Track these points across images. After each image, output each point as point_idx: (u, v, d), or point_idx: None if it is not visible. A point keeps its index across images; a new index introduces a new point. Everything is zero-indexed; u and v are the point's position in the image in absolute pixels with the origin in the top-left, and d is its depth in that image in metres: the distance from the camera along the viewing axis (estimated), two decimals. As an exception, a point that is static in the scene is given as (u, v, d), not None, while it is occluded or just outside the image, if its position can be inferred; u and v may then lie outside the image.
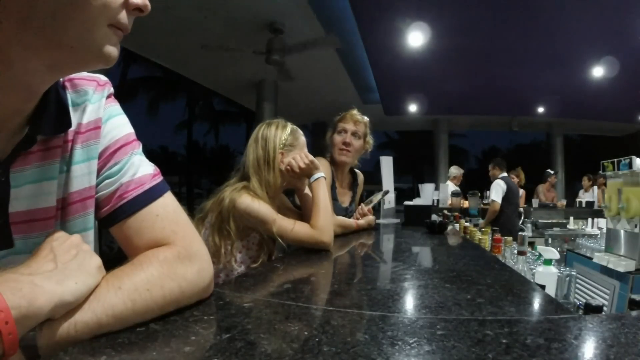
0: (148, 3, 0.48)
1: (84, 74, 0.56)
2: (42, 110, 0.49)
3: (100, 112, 0.56)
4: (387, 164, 2.09)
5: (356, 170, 1.99)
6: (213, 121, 20.10)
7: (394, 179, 2.09)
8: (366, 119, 1.87)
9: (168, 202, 0.59)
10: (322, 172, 1.35)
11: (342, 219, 1.69)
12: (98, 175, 0.56)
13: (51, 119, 0.50)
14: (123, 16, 0.46)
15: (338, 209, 1.74)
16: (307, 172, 1.36)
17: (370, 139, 1.88)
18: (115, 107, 0.59)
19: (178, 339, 0.45)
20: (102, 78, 0.58)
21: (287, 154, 1.37)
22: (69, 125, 0.53)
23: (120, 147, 0.57)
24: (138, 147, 0.60)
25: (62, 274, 0.43)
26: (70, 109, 0.53)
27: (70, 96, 0.54)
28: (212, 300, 0.61)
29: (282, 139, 1.37)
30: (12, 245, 0.48)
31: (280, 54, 4.99)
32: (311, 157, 1.35)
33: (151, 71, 15.28)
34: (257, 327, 0.51)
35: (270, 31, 4.96)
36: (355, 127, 1.80)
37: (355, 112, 1.84)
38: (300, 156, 1.35)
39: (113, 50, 0.46)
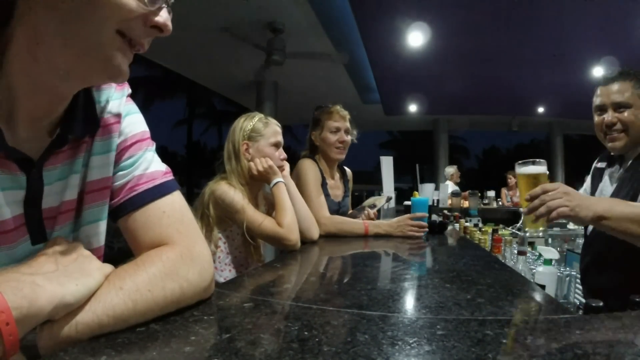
0: (170, 25, 0.48)
1: None
2: (73, 112, 0.51)
3: (121, 108, 0.59)
4: (387, 164, 2.09)
5: (344, 167, 2.02)
6: (213, 121, 20.13)
7: (394, 178, 2.09)
8: (347, 112, 1.89)
9: (176, 200, 0.60)
10: (281, 177, 1.37)
11: (352, 221, 1.68)
12: (113, 167, 0.58)
13: (81, 120, 0.52)
14: (136, 27, 0.45)
15: (331, 204, 1.77)
16: (265, 177, 1.36)
17: (354, 130, 1.90)
18: (134, 106, 0.62)
19: (178, 339, 0.45)
20: None
21: (253, 143, 1.39)
22: (98, 125, 0.55)
23: (135, 142, 0.60)
24: (152, 145, 0.62)
25: (63, 275, 0.43)
26: (96, 106, 0.56)
27: (95, 95, 0.56)
28: (212, 300, 0.61)
29: (246, 129, 1.39)
30: (46, 240, 0.51)
31: (280, 54, 4.99)
32: (270, 162, 1.36)
33: (151, 71, 15.29)
34: (257, 327, 0.51)
35: (270, 31, 4.96)
36: (345, 124, 1.83)
37: (339, 107, 1.85)
38: (260, 160, 1.36)
39: (120, 61, 0.46)
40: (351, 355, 0.41)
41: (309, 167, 1.71)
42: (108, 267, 0.49)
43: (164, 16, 0.47)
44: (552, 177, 8.13)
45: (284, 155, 1.43)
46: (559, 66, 5.53)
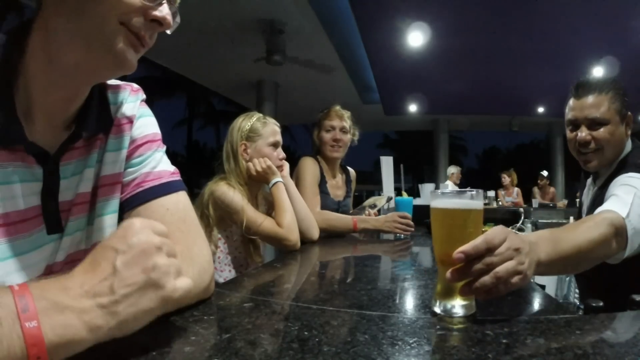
0: (169, 18, 0.50)
1: (120, 81, 0.63)
2: (87, 110, 0.55)
3: (135, 110, 0.63)
4: (387, 164, 2.09)
5: (348, 167, 2.03)
6: (213, 121, 20.12)
7: (394, 178, 2.09)
8: (349, 112, 1.90)
9: (180, 199, 0.62)
10: (280, 177, 1.36)
11: (341, 216, 1.68)
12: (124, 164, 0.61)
13: (95, 118, 0.56)
14: (137, 20, 0.48)
15: (331, 203, 1.78)
16: (264, 177, 1.35)
17: (355, 130, 1.91)
18: (148, 110, 0.66)
19: (178, 339, 0.45)
20: (135, 85, 0.65)
21: (251, 143, 1.38)
22: (111, 124, 0.59)
23: (146, 142, 0.63)
24: (162, 147, 0.65)
25: (114, 310, 0.37)
26: (110, 106, 0.60)
27: (110, 96, 0.60)
28: (212, 300, 0.61)
29: (244, 129, 1.39)
30: (62, 231, 0.54)
31: (280, 54, 4.99)
32: (269, 162, 1.35)
33: (151, 71, 15.28)
34: (257, 327, 0.51)
35: (270, 31, 4.96)
36: (342, 123, 1.83)
37: (338, 107, 1.87)
38: (259, 160, 1.35)
39: (124, 48, 0.48)
40: (351, 355, 0.41)
41: (307, 165, 1.74)
42: (177, 287, 0.42)
43: (163, 11, 0.50)
44: (552, 178, 8.07)
45: (282, 154, 1.43)
46: (559, 66, 5.52)
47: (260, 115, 1.45)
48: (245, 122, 1.40)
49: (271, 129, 1.41)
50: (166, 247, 0.42)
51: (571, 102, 1.19)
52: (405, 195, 1.74)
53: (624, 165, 1.10)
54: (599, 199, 1.13)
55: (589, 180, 1.30)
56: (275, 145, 1.41)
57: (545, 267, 0.68)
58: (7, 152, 0.47)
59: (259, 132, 1.39)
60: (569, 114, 1.20)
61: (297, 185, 1.59)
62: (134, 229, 0.41)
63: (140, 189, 0.60)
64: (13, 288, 0.34)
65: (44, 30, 0.47)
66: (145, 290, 0.39)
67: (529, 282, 0.62)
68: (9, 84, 0.47)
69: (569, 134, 1.21)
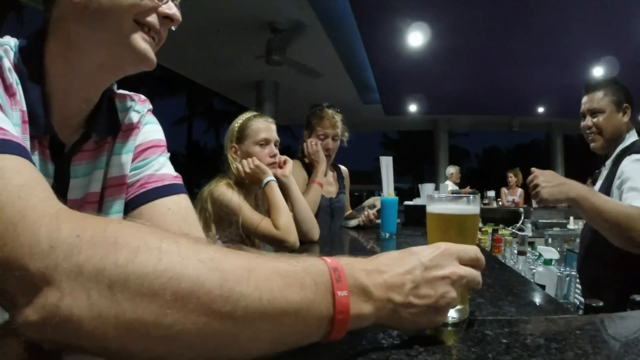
0: (179, 15, 0.56)
1: (128, 92, 0.69)
2: (97, 114, 0.60)
3: (142, 118, 0.67)
4: (386, 164, 2.09)
5: (340, 165, 2.06)
6: (213, 121, 20.12)
7: (394, 179, 2.09)
8: (340, 115, 1.88)
9: (182, 200, 0.65)
10: (272, 176, 1.32)
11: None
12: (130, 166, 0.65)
13: (104, 121, 0.61)
14: (151, 18, 0.54)
15: (322, 200, 1.80)
16: (254, 178, 1.32)
17: (345, 132, 1.91)
18: (154, 118, 0.70)
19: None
20: (143, 96, 0.70)
21: (240, 145, 1.36)
22: (119, 128, 0.64)
23: (151, 146, 0.67)
24: (166, 153, 0.69)
25: (398, 310, 0.41)
26: (119, 113, 0.65)
27: (118, 104, 0.65)
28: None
29: (233, 131, 1.38)
30: None
31: (280, 54, 4.99)
32: (257, 162, 1.31)
33: (151, 71, 15.26)
34: (257, 327, 0.51)
35: (270, 31, 4.96)
36: (335, 131, 1.83)
37: (331, 112, 1.85)
38: (247, 161, 1.32)
39: (144, 45, 0.54)
40: (351, 355, 0.41)
41: (296, 168, 1.75)
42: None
43: (173, 8, 0.56)
44: (552, 177, 8.01)
45: (274, 151, 1.37)
46: (559, 66, 5.52)
47: (252, 114, 1.41)
48: (235, 123, 1.39)
49: (257, 127, 1.36)
50: (464, 281, 0.44)
51: (583, 98, 1.50)
52: (392, 194, 1.75)
53: (629, 149, 1.35)
54: (610, 175, 1.38)
55: (603, 169, 1.51)
56: (265, 142, 1.36)
57: (574, 204, 1.16)
58: (36, 143, 0.53)
59: (245, 132, 1.36)
60: (581, 108, 1.51)
61: None
62: (447, 252, 0.44)
63: (144, 190, 0.63)
64: (326, 260, 0.39)
65: (64, 39, 0.52)
66: (427, 310, 0.42)
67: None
68: (40, 81, 0.52)
69: (581, 124, 1.51)
